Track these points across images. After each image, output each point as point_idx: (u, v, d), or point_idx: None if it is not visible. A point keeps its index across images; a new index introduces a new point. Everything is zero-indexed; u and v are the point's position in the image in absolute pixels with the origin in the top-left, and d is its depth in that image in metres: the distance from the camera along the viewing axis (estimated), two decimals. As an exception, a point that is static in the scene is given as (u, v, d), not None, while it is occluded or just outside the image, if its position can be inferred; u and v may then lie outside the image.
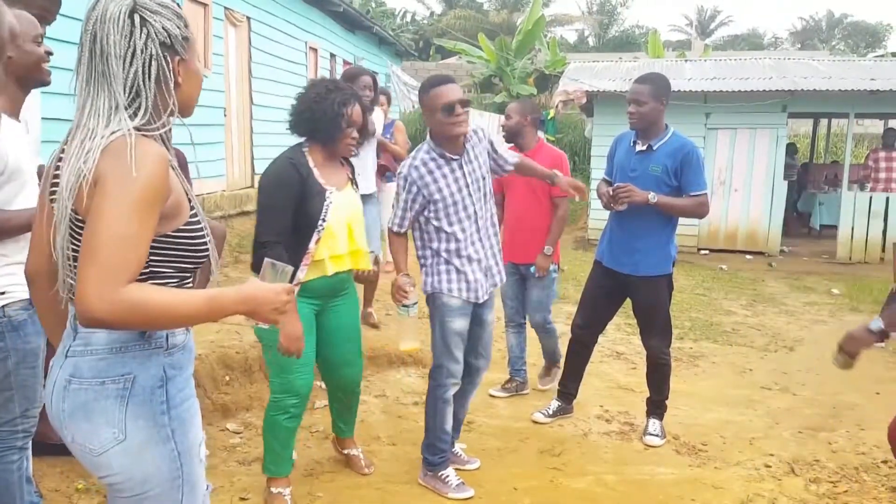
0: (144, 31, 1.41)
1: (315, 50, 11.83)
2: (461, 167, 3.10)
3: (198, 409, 1.64)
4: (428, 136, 3.15)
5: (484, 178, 3.18)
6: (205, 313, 1.41)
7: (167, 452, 1.49)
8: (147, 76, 1.42)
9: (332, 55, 12.88)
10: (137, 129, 1.41)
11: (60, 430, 1.49)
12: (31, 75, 2.28)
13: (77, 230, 1.41)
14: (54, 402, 1.48)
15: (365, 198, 4.64)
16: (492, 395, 4.43)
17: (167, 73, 1.44)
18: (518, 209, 4.25)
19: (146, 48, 1.41)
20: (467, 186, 3.11)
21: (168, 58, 1.45)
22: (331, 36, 12.67)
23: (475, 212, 3.14)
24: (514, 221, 4.28)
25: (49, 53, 2.32)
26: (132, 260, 1.33)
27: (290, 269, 1.59)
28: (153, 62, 1.42)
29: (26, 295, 2.17)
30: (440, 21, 29.65)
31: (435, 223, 3.11)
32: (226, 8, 8.56)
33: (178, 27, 1.46)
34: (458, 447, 3.52)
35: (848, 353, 2.68)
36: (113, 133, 1.37)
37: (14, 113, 2.26)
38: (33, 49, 2.24)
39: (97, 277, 1.29)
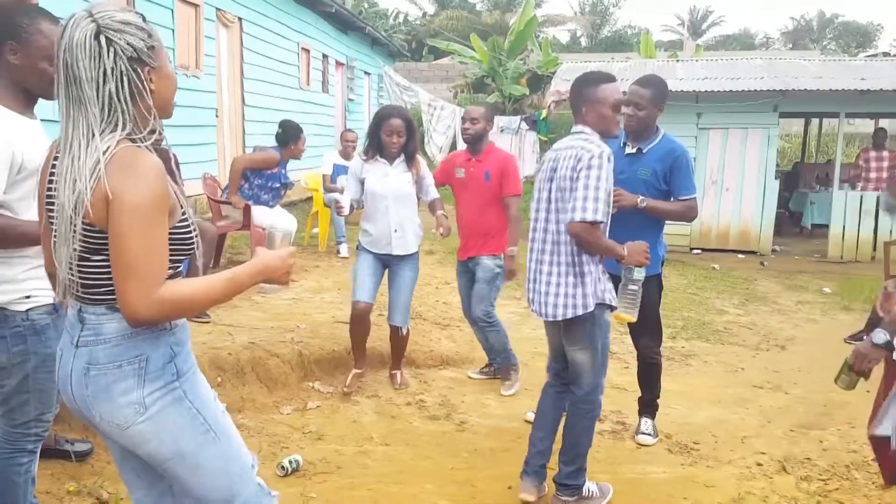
0: (111, 50, 1.50)
1: (307, 51, 11.82)
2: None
3: (202, 376, 1.79)
4: (590, 130, 2.90)
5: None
6: (228, 291, 1.63)
7: (185, 410, 1.65)
8: (121, 92, 1.52)
9: (325, 56, 12.87)
10: (131, 139, 1.53)
11: (87, 413, 1.63)
12: (37, 89, 2.24)
13: (87, 234, 1.54)
14: (75, 390, 1.61)
15: (406, 258, 4.25)
16: (469, 377, 4.74)
17: (140, 86, 1.55)
18: (469, 211, 4.44)
19: (116, 66, 1.51)
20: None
21: (139, 70, 1.54)
22: (323, 37, 12.65)
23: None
24: (465, 223, 4.48)
25: None
26: (161, 263, 1.52)
27: (291, 230, 1.77)
28: (124, 78, 1.52)
29: (50, 300, 2.20)
30: (433, 22, 29.65)
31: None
32: (217, 9, 8.54)
33: (143, 39, 1.55)
34: None
35: (859, 371, 2.46)
36: (108, 148, 1.49)
37: (26, 112, 2.24)
38: (45, 68, 2.16)
39: (139, 288, 1.48)
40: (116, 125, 1.52)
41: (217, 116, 8.65)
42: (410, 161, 4.19)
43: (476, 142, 4.38)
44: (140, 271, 1.48)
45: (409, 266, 4.28)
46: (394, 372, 4.53)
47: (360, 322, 4.29)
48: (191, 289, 1.56)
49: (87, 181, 1.47)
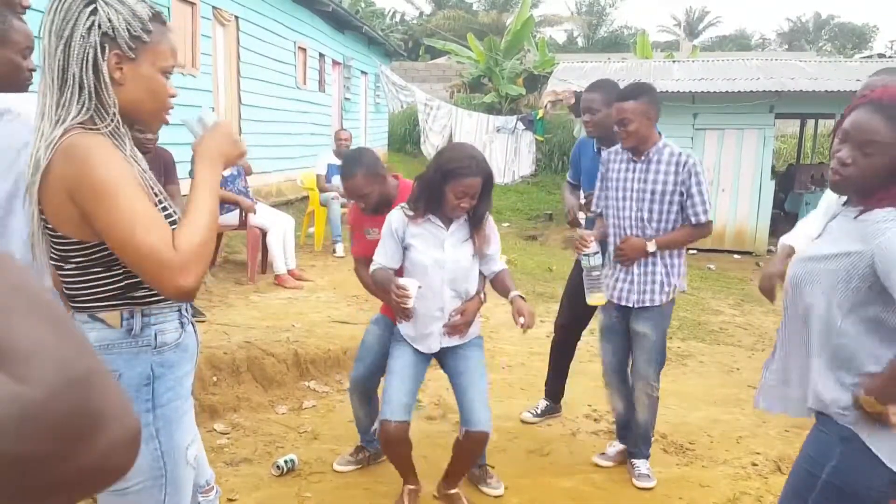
0: (92, 18, 1.40)
1: (304, 50, 11.80)
2: (635, 172, 3.22)
3: (190, 409, 1.64)
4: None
5: (660, 195, 3.18)
6: (215, 197, 1.50)
7: (150, 451, 1.50)
8: (85, 68, 1.40)
9: (322, 55, 12.85)
10: (84, 127, 1.41)
11: None
12: (11, 86, 2.26)
13: (54, 241, 1.44)
14: None
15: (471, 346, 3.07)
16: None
17: (100, 63, 1.41)
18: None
19: (86, 37, 1.39)
20: (634, 191, 3.22)
21: (106, 47, 1.41)
22: (320, 36, 12.63)
23: (635, 219, 3.24)
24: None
25: (32, 70, 2.30)
26: (162, 228, 1.38)
27: (209, 116, 1.67)
28: (89, 53, 1.40)
29: None
30: (429, 21, 29.66)
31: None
32: (214, 7, 8.52)
33: (130, 22, 1.43)
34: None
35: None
36: (63, 134, 1.37)
37: None
38: (18, 62, 2.21)
39: (160, 267, 1.35)
40: (80, 108, 1.40)
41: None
42: (478, 226, 2.94)
43: (382, 205, 3.19)
44: (149, 253, 1.35)
45: (472, 343, 3.08)
46: (454, 492, 3.14)
47: (397, 444, 2.99)
48: (193, 226, 1.41)
49: (33, 171, 1.36)
